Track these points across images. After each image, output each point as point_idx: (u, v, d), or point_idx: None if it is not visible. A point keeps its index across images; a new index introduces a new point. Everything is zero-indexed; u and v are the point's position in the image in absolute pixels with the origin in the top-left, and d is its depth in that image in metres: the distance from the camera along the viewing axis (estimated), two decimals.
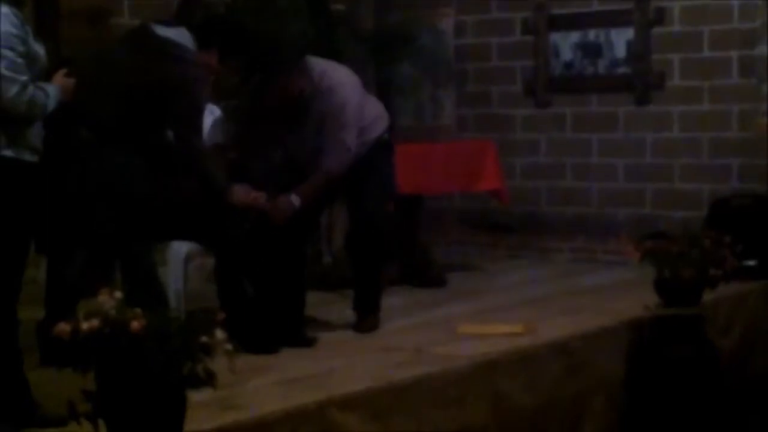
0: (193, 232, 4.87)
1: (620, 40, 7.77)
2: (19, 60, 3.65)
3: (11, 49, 3.63)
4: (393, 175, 5.43)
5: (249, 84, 5.17)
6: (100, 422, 3.12)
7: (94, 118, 4.33)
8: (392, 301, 6.01)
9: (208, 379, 3.16)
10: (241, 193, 4.78)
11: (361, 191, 5.23)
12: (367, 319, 5.30)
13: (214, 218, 4.74)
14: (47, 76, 3.89)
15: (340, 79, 5.12)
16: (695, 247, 5.37)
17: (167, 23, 4.60)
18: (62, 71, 4.00)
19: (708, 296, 5.51)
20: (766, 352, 6.34)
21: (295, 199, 4.94)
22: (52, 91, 3.80)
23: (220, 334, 3.15)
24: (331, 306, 5.82)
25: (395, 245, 6.43)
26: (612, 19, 7.78)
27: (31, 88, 3.67)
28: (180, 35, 4.52)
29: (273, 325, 4.86)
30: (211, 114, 5.39)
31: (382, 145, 5.30)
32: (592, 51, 7.88)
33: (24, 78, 3.65)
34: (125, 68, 4.44)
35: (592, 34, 7.88)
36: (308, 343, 4.93)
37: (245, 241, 4.77)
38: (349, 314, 5.41)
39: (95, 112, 4.33)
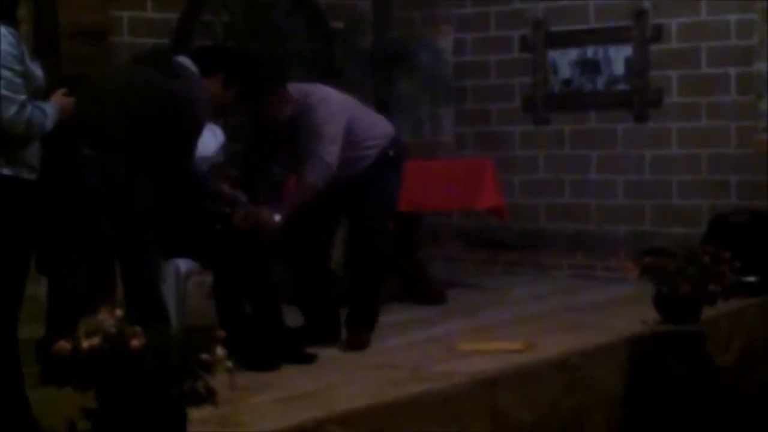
0: (192, 248, 4.89)
1: (618, 57, 7.80)
2: (17, 80, 3.66)
3: (9, 68, 3.64)
4: (394, 191, 5.46)
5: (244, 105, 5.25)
6: None
7: (98, 133, 4.34)
8: (391, 318, 6.01)
9: (209, 397, 3.17)
10: (229, 191, 4.84)
11: (360, 208, 5.28)
12: (357, 336, 5.27)
13: (212, 235, 4.75)
14: (46, 95, 3.90)
15: (321, 95, 5.23)
16: (694, 263, 5.37)
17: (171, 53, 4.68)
18: (61, 90, 4.01)
19: (708, 312, 5.51)
20: (766, 368, 6.34)
21: (275, 214, 4.97)
22: (50, 110, 3.81)
23: (220, 351, 3.15)
24: None
25: (394, 262, 6.45)
26: (610, 36, 7.81)
27: (29, 108, 3.68)
28: (184, 62, 4.57)
29: (273, 342, 4.86)
30: (213, 133, 5.40)
31: (385, 160, 5.34)
32: (590, 68, 7.91)
33: (22, 98, 3.66)
34: (134, 86, 4.46)
35: (590, 51, 7.91)
36: (309, 359, 4.93)
37: (244, 258, 4.78)
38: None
39: (101, 126, 4.34)
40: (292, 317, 5.34)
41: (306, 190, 5.11)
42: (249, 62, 5.09)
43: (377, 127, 5.41)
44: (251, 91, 5.01)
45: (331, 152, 5.10)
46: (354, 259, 5.38)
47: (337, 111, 5.21)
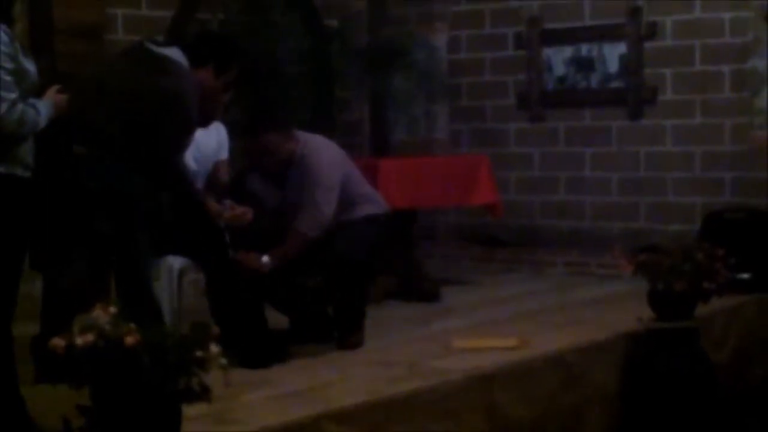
0: (185, 246, 4.89)
1: (613, 54, 7.80)
2: (8, 78, 3.66)
3: (1, 67, 3.63)
4: (373, 239, 5.25)
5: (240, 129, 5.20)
6: None
7: (91, 133, 4.33)
8: (387, 315, 6.02)
9: (203, 393, 3.16)
10: (214, 207, 4.82)
11: (335, 240, 5.14)
12: (350, 337, 5.21)
13: (200, 234, 4.75)
14: (40, 92, 3.90)
15: (318, 145, 5.18)
16: (688, 260, 5.38)
17: (160, 43, 4.61)
18: (55, 87, 4.00)
19: (703, 309, 5.52)
20: (761, 365, 6.35)
21: (266, 260, 4.94)
22: (44, 107, 3.81)
23: (214, 348, 3.15)
24: None
25: (389, 260, 6.45)
26: (605, 34, 7.82)
27: (20, 106, 3.68)
28: (173, 54, 4.52)
29: (265, 339, 4.85)
30: (217, 131, 5.38)
31: (374, 220, 5.25)
32: (584, 65, 7.91)
33: (13, 96, 3.65)
34: (122, 83, 4.43)
35: (584, 49, 7.91)
36: (282, 356, 4.89)
37: (230, 258, 4.78)
38: None
39: (92, 126, 4.32)
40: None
41: (299, 241, 5.02)
42: (241, 50, 5.01)
43: (370, 194, 5.33)
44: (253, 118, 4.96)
45: (328, 201, 5.04)
46: (334, 281, 5.23)
47: (334, 160, 5.16)
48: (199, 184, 5.31)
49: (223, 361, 3.16)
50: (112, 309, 3.17)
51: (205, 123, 4.69)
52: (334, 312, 5.31)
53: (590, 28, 7.88)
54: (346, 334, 5.22)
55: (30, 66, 3.78)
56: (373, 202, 5.33)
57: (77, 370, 3.08)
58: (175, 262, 5.08)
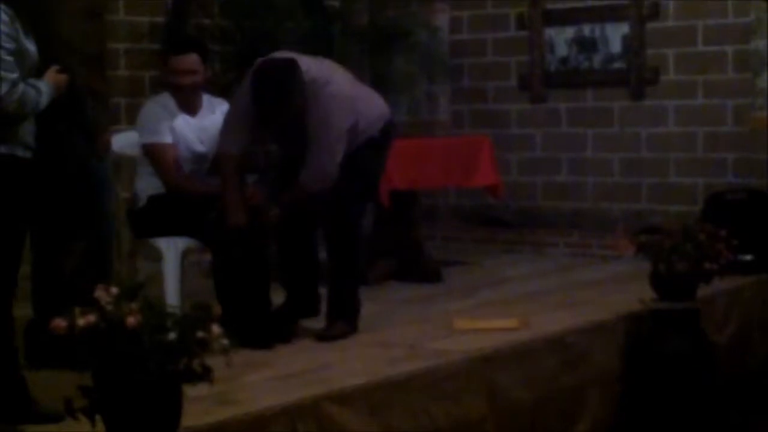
0: (191, 227, 4.89)
1: (615, 34, 7.78)
2: (9, 58, 3.64)
3: (1, 47, 3.62)
4: (373, 177, 5.23)
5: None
6: (97, 418, 3.12)
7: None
8: (387, 296, 6.03)
9: (205, 374, 3.16)
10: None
11: (335, 196, 5.02)
12: (334, 326, 5.04)
13: (208, 213, 4.75)
14: (39, 73, 3.88)
15: (332, 92, 4.93)
16: (690, 241, 5.38)
17: None
18: (54, 68, 3.98)
19: (704, 291, 5.52)
20: (762, 346, 6.36)
21: (275, 211, 4.90)
22: (45, 88, 3.80)
23: (216, 329, 3.15)
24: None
25: (390, 241, 6.46)
26: (607, 14, 7.80)
27: (21, 86, 3.66)
28: None
29: (267, 320, 4.86)
30: (221, 112, 5.32)
31: (370, 144, 5.11)
32: (587, 46, 7.89)
33: (14, 76, 3.64)
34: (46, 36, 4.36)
35: (587, 29, 7.89)
36: (285, 336, 4.89)
37: (240, 237, 4.78)
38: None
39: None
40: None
41: (305, 193, 4.94)
42: None
43: (371, 114, 5.14)
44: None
45: (333, 156, 4.87)
46: (329, 236, 5.15)
47: (344, 110, 4.93)
48: (206, 165, 5.28)
49: (225, 341, 3.16)
50: (114, 290, 3.17)
51: None
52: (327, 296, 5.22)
53: (592, 8, 7.86)
54: (331, 322, 5.06)
55: (30, 46, 3.76)
56: (372, 124, 5.11)
57: (79, 351, 3.08)
58: (179, 242, 5.08)
